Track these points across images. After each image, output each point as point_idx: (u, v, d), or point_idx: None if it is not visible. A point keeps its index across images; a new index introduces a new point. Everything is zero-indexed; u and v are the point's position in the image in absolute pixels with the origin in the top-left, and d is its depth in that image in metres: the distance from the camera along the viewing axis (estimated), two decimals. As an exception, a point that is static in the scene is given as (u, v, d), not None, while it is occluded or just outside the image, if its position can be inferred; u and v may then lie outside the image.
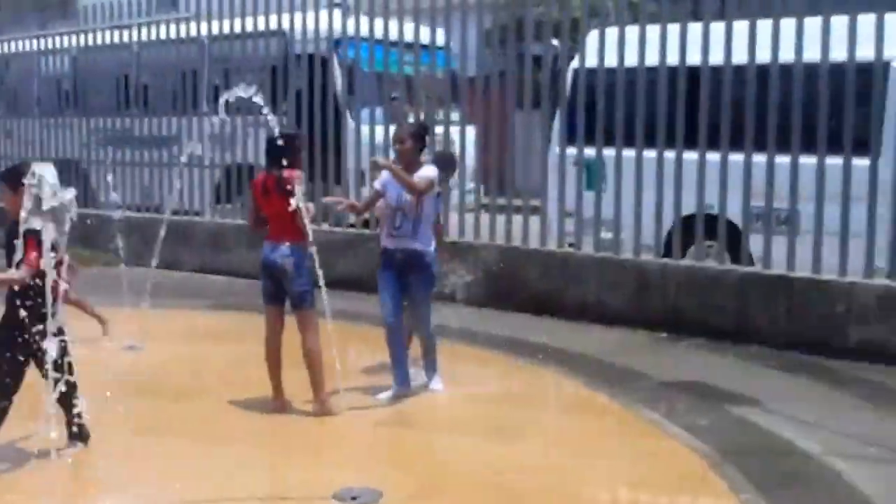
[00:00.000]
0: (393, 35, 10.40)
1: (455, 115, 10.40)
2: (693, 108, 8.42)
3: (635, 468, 5.17)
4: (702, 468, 5.13)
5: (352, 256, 10.22)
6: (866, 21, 7.59)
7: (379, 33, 10.33)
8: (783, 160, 7.96)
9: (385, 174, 6.13)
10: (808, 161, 7.87)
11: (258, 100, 5.78)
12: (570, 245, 9.24)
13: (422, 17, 10.15)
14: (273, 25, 11.25)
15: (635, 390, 6.65)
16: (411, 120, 9.96)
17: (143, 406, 5.83)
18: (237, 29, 11.49)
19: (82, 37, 13.46)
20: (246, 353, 6.61)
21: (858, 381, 7.03)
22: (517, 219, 9.39)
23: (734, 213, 8.30)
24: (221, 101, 6.21)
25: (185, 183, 12.06)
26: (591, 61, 9.07)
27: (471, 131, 10.39)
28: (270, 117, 5.65)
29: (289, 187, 5.65)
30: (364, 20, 10.45)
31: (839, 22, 7.69)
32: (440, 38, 10.36)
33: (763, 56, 8.05)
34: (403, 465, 5.22)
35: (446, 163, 7.22)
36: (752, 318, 8.07)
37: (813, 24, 7.83)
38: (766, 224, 8.17)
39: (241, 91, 5.85)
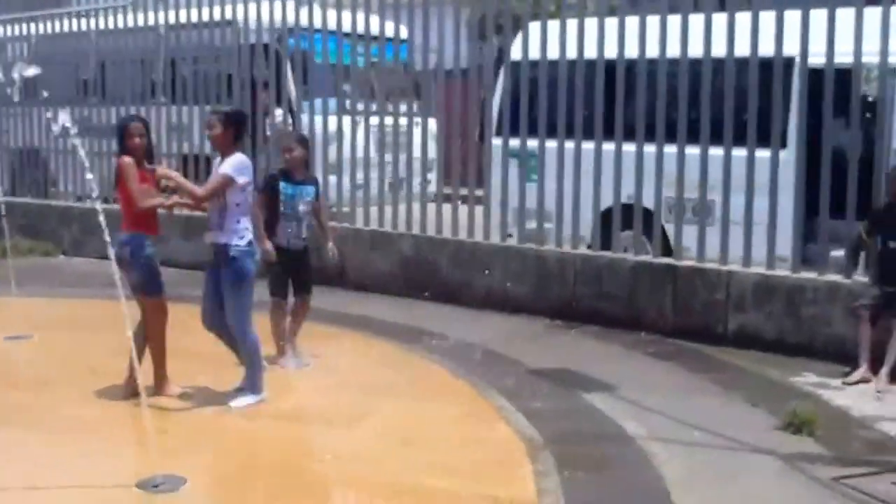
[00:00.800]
0: (349, 27, 10.49)
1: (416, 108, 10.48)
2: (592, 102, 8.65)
3: (455, 455, 5.42)
4: (520, 454, 5.37)
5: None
6: (768, 17, 7.78)
7: (333, 24, 10.38)
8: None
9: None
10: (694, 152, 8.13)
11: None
12: (509, 235, 9.44)
13: (392, 10, 10.12)
14: (225, 15, 11.40)
15: (500, 377, 6.90)
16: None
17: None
18: (190, 18, 11.69)
19: (41, 24, 13.69)
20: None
21: (724, 367, 7.29)
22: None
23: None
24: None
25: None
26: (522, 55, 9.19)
27: (433, 124, 10.49)
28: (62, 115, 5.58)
29: (115, 175, 5.86)
30: (317, 11, 10.55)
31: (744, 18, 7.88)
32: (403, 32, 10.43)
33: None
34: (225, 452, 5.49)
35: (292, 142, 7.04)
36: (641, 306, 8.32)
37: (720, 20, 8.02)
38: (665, 213, 8.43)
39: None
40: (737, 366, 7.29)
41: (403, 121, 10.01)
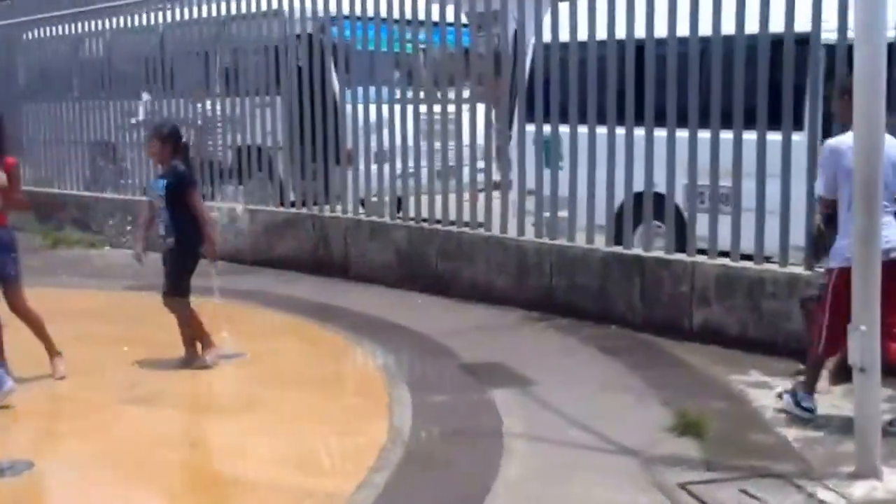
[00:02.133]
0: (398, 13, 10.31)
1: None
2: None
3: (311, 447, 5.36)
4: (374, 449, 5.16)
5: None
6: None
7: (381, 11, 10.10)
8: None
9: None
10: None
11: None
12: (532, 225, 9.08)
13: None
14: (273, 5, 11.51)
15: (423, 371, 6.80)
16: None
17: None
18: (237, 10, 11.88)
19: (114, 20, 14.10)
20: (92, 332, 7.19)
21: (670, 363, 6.88)
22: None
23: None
24: None
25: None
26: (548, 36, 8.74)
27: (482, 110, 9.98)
28: None
29: None
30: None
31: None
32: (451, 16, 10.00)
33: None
34: (88, 439, 5.52)
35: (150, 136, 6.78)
36: (611, 299, 7.96)
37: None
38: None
39: None
40: (683, 362, 6.86)
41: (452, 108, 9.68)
